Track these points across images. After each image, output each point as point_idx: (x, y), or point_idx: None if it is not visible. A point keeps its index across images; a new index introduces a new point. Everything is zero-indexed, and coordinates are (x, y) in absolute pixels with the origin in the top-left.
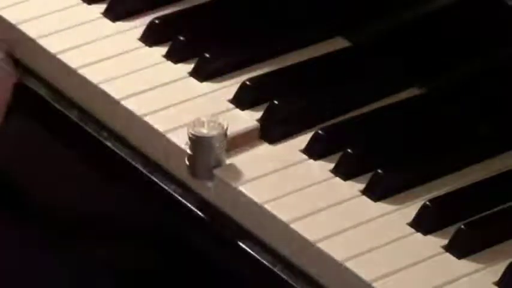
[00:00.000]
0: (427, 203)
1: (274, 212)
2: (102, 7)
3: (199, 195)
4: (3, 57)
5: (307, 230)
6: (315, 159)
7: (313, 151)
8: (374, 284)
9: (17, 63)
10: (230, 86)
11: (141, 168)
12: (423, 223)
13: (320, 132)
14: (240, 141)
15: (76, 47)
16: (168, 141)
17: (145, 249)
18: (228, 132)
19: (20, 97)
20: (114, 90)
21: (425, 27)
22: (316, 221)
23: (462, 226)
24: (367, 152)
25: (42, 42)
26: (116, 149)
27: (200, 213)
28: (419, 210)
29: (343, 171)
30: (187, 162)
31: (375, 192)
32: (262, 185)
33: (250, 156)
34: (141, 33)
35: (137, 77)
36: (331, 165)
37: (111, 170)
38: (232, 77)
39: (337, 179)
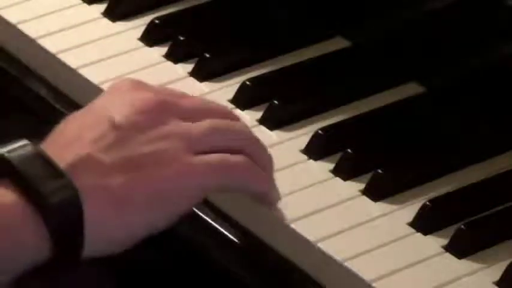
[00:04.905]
0: (427, 203)
1: (274, 212)
2: (102, 7)
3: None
4: None
5: (307, 230)
6: (315, 159)
7: (313, 151)
8: (374, 284)
9: None
10: (230, 86)
11: None
12: (423, 223)
13: (320, 132)
14: None
15: (76, 47)
16: None
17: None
18: None
19: (20, 97)
20: None
21: (425, 27)
22: (316, 221)
23: (462, 226)
24: (367, 152)
25: (42, 42)
26: None
27: (200, 213)
28: (419, 210)
29: (343, 171)
30: None
31: (374, 192)
32: None
33: None
34: (141, 33)
35: (137, 77)
36: (331, 165)
37: None
38: (232, 77)
39: (337, 179)
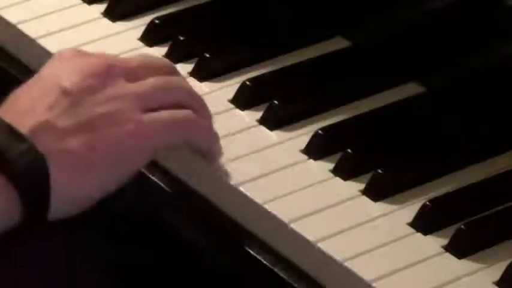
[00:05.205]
0: (427, 203)
1: (274, 211)
2: (102, 7)
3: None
4: None
5: (307, 230)
6: (315, 159)
7: (313, 151)
8: (374, 284)
9: None
10: (230, 86)
11: None
12: (423, 223)
13: (320, 132)
14: (240, 141)
15: (76, 47)
16: None
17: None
18: (228, 132)
19: None
20: None
21: (425, 27)
22: (316, 221)
23: (462, 226)
24: (367, 152)
25: (42, 42)
26: None
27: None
28: (419, 210)
29: (343, 171)
30: None
31: (374, 192)
32: (262, 185)
33: (250, 156)
34: (141, 33)
35: None
36: (331, 165)
37: None
38: (232, 77)
39: (337, 179)
